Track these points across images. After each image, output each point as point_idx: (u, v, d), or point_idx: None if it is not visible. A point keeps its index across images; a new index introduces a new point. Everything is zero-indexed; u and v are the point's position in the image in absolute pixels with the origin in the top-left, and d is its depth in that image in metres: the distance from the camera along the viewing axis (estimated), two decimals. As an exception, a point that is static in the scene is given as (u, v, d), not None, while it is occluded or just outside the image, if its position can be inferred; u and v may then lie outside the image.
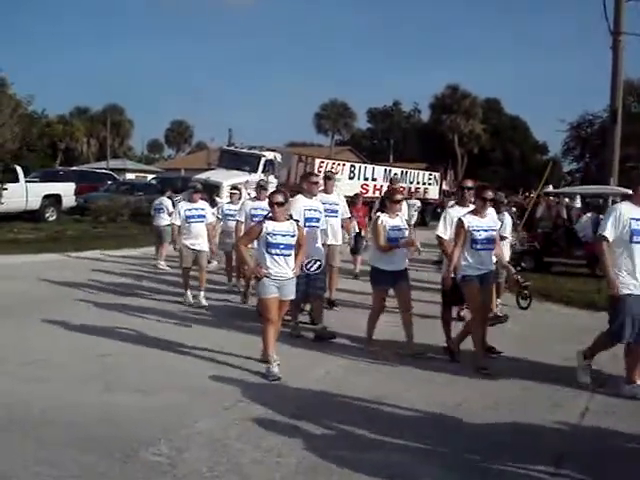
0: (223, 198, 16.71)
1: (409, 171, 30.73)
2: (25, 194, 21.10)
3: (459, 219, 6.68)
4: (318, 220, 8.05)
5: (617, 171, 16.09)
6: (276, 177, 23.06)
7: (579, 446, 4.78)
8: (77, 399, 5.37)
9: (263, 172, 22.23)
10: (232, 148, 25.73)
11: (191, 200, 9.92)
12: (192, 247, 9.59)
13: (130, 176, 45.79)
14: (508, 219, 9.14)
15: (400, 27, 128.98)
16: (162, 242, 13.81)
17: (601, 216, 14.60)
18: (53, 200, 22.46)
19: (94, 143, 63.21)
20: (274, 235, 6.12)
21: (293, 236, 6.23)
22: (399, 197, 7.32)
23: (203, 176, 22.53)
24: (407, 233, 7.27)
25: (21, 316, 8.42)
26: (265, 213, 9.21)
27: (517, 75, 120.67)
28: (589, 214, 14.70)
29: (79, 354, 6.70)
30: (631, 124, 29.01)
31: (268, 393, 5.65)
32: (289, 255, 6.22)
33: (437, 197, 31.05)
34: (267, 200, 6.83)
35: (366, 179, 27.69)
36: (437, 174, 32.64)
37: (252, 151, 24.16)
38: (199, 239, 9.66)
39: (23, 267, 12.70)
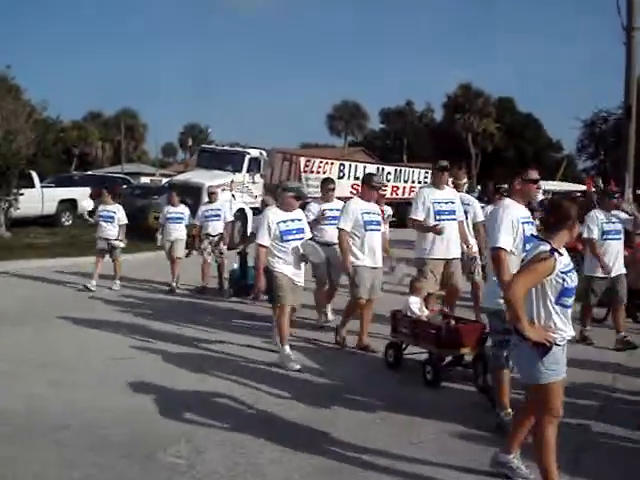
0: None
1: (403, 169, 29.57)
2: (41, 199, 21.27)
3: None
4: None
5: (632, 168, 15.96)
6: (262, 176, 21.41)
7: (599, 440, 4.77)
8: (95, 401, 5.41)
9: (248, 171, 20.59)
10: (212, 146, 23.90)
11: (286, 207, 6.86)
12: (293, 277, 6.76)
13: (145, 180, 46.03)
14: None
15: (411, 26, 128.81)
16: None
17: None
18: (69, 205, 22.61)
19: (108, 147, 63.74)
20: (568, 273, 3.83)
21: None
22: None
23: (182, 177, 20.96)
24: None
25: (38, 320, 8.49)
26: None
27: (530, 73, 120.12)
28: None
29: (97, 357, 6.75)
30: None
31: (286, 394, 5.66)
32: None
33: None
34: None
35: (357, 179, 24.50)
36: None
37: (235, 148, 22.01)
38: (299, 266, 6.86)
39: (40, 271, 12.78)
